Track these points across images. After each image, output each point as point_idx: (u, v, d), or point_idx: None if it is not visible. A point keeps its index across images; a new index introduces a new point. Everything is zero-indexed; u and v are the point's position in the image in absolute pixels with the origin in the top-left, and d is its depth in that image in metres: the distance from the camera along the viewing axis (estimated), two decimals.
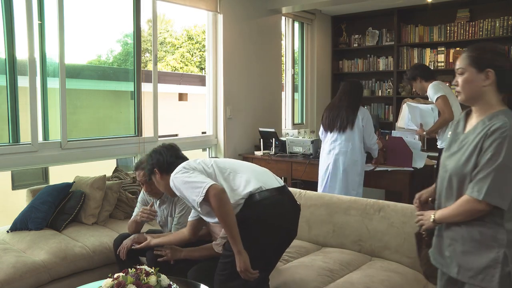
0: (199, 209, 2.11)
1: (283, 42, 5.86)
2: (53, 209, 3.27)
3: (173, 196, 2.56)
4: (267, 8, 5.30)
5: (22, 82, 3.43)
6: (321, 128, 4.07)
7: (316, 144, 4.67)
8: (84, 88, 4.65)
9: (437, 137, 3.89)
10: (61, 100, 3.65)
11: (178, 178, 2.13)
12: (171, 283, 1.99)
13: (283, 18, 5.79)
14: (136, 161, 3.47)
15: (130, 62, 4.34)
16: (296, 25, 6.22)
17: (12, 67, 3.39)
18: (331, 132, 3.93)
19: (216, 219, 2.10)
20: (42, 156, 3.53)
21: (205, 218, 2.23)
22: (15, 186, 5.39)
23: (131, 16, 4.16)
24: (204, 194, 2.00)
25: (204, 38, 5.05)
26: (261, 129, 5.07)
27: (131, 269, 1.97)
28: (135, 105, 4.24)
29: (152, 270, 1.96)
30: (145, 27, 4.74)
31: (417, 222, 1.87)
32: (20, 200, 3.49)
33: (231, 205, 2.05)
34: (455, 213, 1.67)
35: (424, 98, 4.49)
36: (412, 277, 2.57)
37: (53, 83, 3.65)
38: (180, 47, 11.97)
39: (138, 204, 3.02)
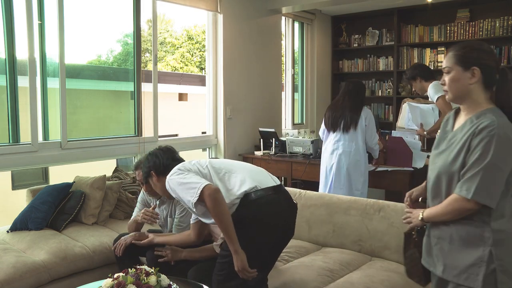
0: (194, 210, 2.11)
1: (283, 42, 5.86)
2: (53, 209, 3.27)
3: (171, 198, 2.56)
4: (267, 8, 5.30)
5: (22, 82, 3.43)
6: (323, 128, 4.06)
7: (316, 144, 4.67)
8: (84, 88, 4.65)
9: None
10: (61, 100, 3.65)
11: (173, 180, 2.15)
12: (171, 283, 1.99)
13: (283, 18, 5.79)
14: (136, 161, 3.47)
15: (130, 62, 4.34)
16: (296, 25, 6.22)
17: (12, 67, 3.39)
18: (334, 132, 3.93)
19: (212, 220, 2.10)
20: (42, 156, 3.53)
21: (201, 219, 2.24)
22: (15, 186, 5.39)
23: (131, 16, 4.16)
24: (198, 195, 2.01)
25: (204, 38, 5.05)
26: (261, 129, 5.07)
27: (131, 269, 1.97)
28: (135, 105, 4.24)
29: (152, 270, 1.96)
30: (145, 27, 4.74)
31: (405, 220, 1.88)
32: (20, 200, 3.49)
33: (227, 205, 2.06)
34: (444, 212, 1.68)
35: (424, 98, 4.49)
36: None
37: (53, 83, 3.65)
38: (180, 47, 11.97)
39: (138, 204, 3.02)
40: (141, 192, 2.96)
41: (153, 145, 4.26)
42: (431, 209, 1.74)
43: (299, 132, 6.04)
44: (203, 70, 9.86)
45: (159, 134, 4.42)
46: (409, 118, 4.17)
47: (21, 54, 3.43)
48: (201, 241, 2.55)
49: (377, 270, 2.59)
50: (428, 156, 4.11)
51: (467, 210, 1.61)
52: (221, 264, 2.15)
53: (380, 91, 6.47)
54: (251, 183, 2.12)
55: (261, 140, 5.00)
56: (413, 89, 4.44)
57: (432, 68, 5.36)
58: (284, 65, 6.04)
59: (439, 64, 5.81)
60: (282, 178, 5.09)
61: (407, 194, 1.97)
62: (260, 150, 4.98)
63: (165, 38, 11.49)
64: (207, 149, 5.04)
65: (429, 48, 5.96)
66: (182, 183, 2.10)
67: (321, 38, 6.46)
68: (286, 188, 3.48)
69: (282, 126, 5.81)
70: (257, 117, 5.26)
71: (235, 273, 2.07)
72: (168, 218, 2.83)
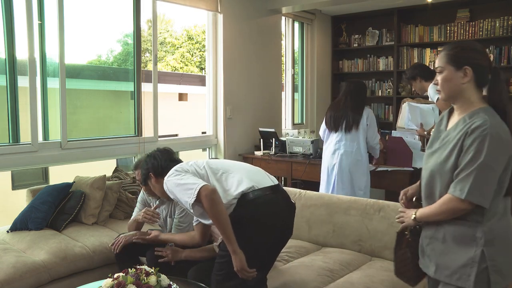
0: (192, 211, 2.12)
1: (283, 42, 5.86)
2: (53, 209, 3.27)
3: (170, 200, 2.57)
4: (267, 8, 5.30)
5: (22, 82, 3.43)
6: (323, 128, 4.06)
7: (316, 144, 4.67)
8: (84, 88, 4.65)
9: None
10: (61, 100, 3.65)
11: (170, 181, 2.15)
12: (171, 283, 1.99)
13: (283, 18, 5.79)
14: (135, 161, 3.46)
15: (130, 62, 4.34)
16: (296, 25, 6.22)
17: (12, 67, 3.39)
18: (335, 132, 3.93)
19: (210, 220, 2.10)
20: (42, 156, 3.53)
21: (200, 219, 2.24)
22: (15, 186, 5.39)
23: (131, 16, 4.16)
24: (196, 195, 2.01)
25: (204, 38, 5.05)
26: (261, 129, 5.07)
27: (131, 269, 1.97)
28: (135, 105, 4.24)
29: (152, 270, 1.96)
30: (145, 27, 4.74)
31: (398, 219, 1.88)
32: (20, 200, 3.49)
33: (224, 205, 2.06)
34: (437, 212, 1.68)
35: (424, 98, 4.49)
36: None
37: (53, 83, 3.65)
38: (180, 47, 11.97)
39: (138, 204, 3.02)
40: (141, 192, 2.96)
41: (153, 145, 4.27)
42: (424, 209, 1.74)
43: (299, 132, 6.04)
44: (203, 70, 9.86)
45: (159, 134, 4.42)
46: (409, 118, 4.17)
47: (21, 54, 3.43)
48: (206, 242, 2.55)
49: (377, 270, 2.59)
50: None
51: (461, 210, 1.61)
52: (220, 264, 2.15)
53: (380, 91, 6.47)
54: (248, 183, 2.12)
55: (261, 140, 5.00)
56: (413, 89, 4.44)
57: (432, 68, 5.36)
58: (284, 65, 6.04)
59: None
60: (282, 178, 5.09)
61: (402, 192, 1.97)
62: (260, 150, 4.98)
63: (165, 38, 11.49)
64: (207, 149, 5.04)
65: (429, 48, 5.96)
66: (179, 184, 2.10)
67: (321, 38, 6.46)
68: (286, 188, 3.49)
69: (282, 126, 5.81)
70: (257, 117, 5.26)
71: (234, 273, 2.07)
72: (168, 218, 2.83)
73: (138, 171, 2.84)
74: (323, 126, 4.08)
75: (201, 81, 8.76)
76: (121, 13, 4.41)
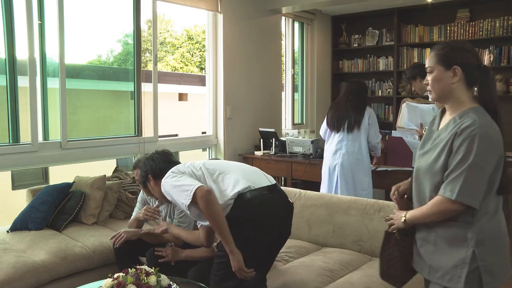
0: (188, 212, 2.12)
1: (283, 42, 5.86)
2: (53, 209, 3.27)
3: (168, 201, 2.57)
4: (267, 8, 5.30)
5: (22, 82, 3.43)
6: (325, 127, 4.06)
7: (316, 144, 4.67)
8: (84, 88, 4.65)
9: None
10: (61, 100, 3.65)
11: (167, 183, 2.16)
12: (171, 283, 1.99)
13: (283, 18, 5.79)
14: (134, 161, 3.47)
15: (130, 62, 4.34)
16: (296, 25, 6.22)
17: (12, 67, 3.39)
18: (337, 132, 3.93)
19: (207, 221, 2.10)
20: (42, 156, 3.53)
21: (197, 220, 2.24)
22: (15, 186, 5.39)
23: (131, 16, 4.16)
24: (191, 197, 2.02)
25: (204, 38, 5.05)
26: (261, 129, 5.08)
27: (131, 269, 1.97)
28: (135, 105, 4.24)
29: (152, 270, 1.96)
30: (145, 27, 4.74)
31: (387, 221, 1.85)
32: (20, 200, 3.49)
33: (220, 206, 2.06)
34: (428, 214, 1.66)
35: (424, 98, 4.48)
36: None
37: (53, 83, 3.65)
38: (180, 47, 11.97)
39: (137, 204, 3.02)
40: (141, 192, 2.96)
41: (153, 145, 4.27)
42: (414, 211, 1.73)
43: (299, 132, 6.04)
44: (203, 70, 9.86)
45: (159, 134, 4.42)
46: (408, 119, 4.17)
47: (21, 54, 3.43)
48: (211, 244, 2.55)
49: (377, 270, 2.58)
50: None
51: (452, 211, 1.60)
52: (218, 264, 2.15)
53: (380, 91, 6.47)
54: (245, 183, 2.12)
55: (261, 140, 5.00)
56: (413, 89, 4.44)
57: None
58: (284, 65, 6.03)
59: None
60: (282, 178, 5.09)
61: (395, 187, 1.94)
62: (260, 150, 4.98)
63: (165, 38, 11.49)
64: (207, 149, 5.04)
65: (429, 48, 5.95)
66: (176, 185, 2.11)
67: (321, 38, 6.46)
68: (286, 188, 3.50)
69: (282, 126, 5.81)
70: (257, 117, 5.26)
71: (232, 273, 2.07)
72: (168, 219, 2.83)
73: (137, 171, 2.84)
74: (324, 125, 4.08)
75: (201, 81, 8.76)
76: (121, 13, 4.41)
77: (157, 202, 2.83)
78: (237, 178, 2.15)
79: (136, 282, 1.88)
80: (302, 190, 3.33)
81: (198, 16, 6.87)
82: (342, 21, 6.63)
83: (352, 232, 2.95)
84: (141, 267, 1.99)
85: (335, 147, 3.95)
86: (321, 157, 4.35)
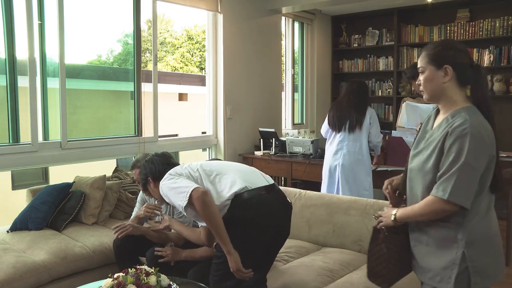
0: (185, 214, 2.13)
1: (283, 42, 5.86)
2: (53, 209, 3.27)
3: (167, 203, 2.57)
4: (267, 8, 5.30)
5: (22, 82, 3.43)
6: (326, 127, 4.06)
7: (316, 144, 4.67)
8: (84, 88, 4.65)
9: None
10: (61, 100, 3.65)
11: (165, 185, 2.17)
12: (171, 283, 1.99)
13: (283, 18, 5.79)
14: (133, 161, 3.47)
15: (130, 62, 4.34)
16: (296, 25, 6.22)
17: (12, 67, 3.39)
18: (338, 132, 3.93)
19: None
20: (42, 156, 3.53)
21: (196, 221, 2.24)
22: (15, 186, 5.39)
23: (131, 16, 4.16)
24: (188, 198, 2.02)
25: (204, 38, 5.05)
26: (261, 129, 5.07)
27: (131, 269, 1.97)
28: (135, 105, 4.24)
29: (152, 270, 1.96)
30: (145, 27, 4.74)
31: (377, 218, 1.83)
32: (20, 200, 3.49)
33: (217, 207, 2.07)
34: (420, 213, 1.65)
35: None
36: (412, 276, 2.56)
37: (53, 83, 3.65)
38: (180, 47, 11.97)
39: (137, 204, 3.02)
40: (140, 192, 2.96)
41: (153, 145, 4.27)
42: (405, 210, 1.72)
43: (299, 132, 6.04)
44: (203, 70, 9.86)
45: (159, 134, 4.42)
46: (408, 118, 4.17)
47: (21, 54, 3.43)
48: (212, 243, 2.55)
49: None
50: None
51: (445, 211, 1.59)
52: (216, 265, 2.15)
53: (380, 91, 6.47)
54: (241, 184, 2.12)
55: (261, 140, 5.00)
56: (413, 89, 4.44)
57: None
58: (284, 65, 6.04)
59: None
60: (282, 178, 5.09)
61: (387, 181, 1.91)
62: (260, 150, 4.98)
63: (165, 38, 11.49)
64: (207, 149, 5.04)
65: None
66: (173, 187, 2.12)
67: (321, 38, 6.46)
68: (286, 188, 3.50)
69: (282, 126, 5.81)
70: (257, 117, 5.26)
71: (230, 273, 2.07)
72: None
73: (135, 170, 2.85)
74: (325, 124, 4.07)
75: (201, 81, 8.76)
76: (121, 13, 4.41)
77: (156, 203, 2.83)
78: (234, 178, 2.16)
79: (136, 282, 1.88)
80: (302, 190, 3.33)
81: (198, 16, 6.87)
82: (342, 21, 6.63)
83: (352, 232, 2.95)
84: (141, 267, 1.99)
85: (336, 147, 3.95)
86: (321, 157, 4.35)
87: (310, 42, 6.35)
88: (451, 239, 1.63)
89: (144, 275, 1.92)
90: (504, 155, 4.54)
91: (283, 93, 5.90)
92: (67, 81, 3.70)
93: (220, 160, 3.69)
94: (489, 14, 5.49)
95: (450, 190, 1.55)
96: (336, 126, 3.94)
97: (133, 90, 4.27)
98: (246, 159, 4.96)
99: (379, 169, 4.02)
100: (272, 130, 5.00)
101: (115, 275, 1.93)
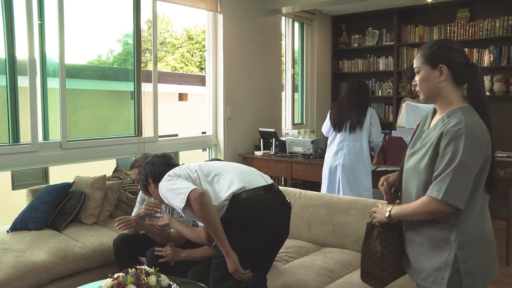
0: (183, 215, 2.13)
1: (283, 42, 5.86)
2: (53, 209, 3.27)
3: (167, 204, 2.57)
4: (267, 8, 5.30)
5: (22, 82, 3.43)
6: (328, 125, 4.05)
7: (316, 144, 4.67)
8: (84, 88, 4.65)
9: None
10: (61, 100, 3.65)
11: (163, 187, 2.17)
12: (171, 283, 1.99)
13: (283, 18, 5.79)
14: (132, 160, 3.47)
15: (130, 62, 4.34)
16: (296, 25, 6.22)
17: (12, 67, 3.39)
18: (339, 132, 3.94)
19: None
20: (42, 156, 3.53)
21: (196, 221, 2.24)
22: (15, 186, 5.39)
23: (131, 16, 4.16)
24: (186, 200, 2.02)
25: (204, 38, 5.05)
26: (261, 129, 5.08)
27: (131, 269, 1.97)
28: (135, 105, 4.24)
29: (152, 270, 1.96)
30: (145, 27, 4.74)
31: (372, 214, 1.82)
32: (20, 200, 3.49)
33: (214, 208, 2.07)
34: (415, 213, 1.64)
35: None
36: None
37: (53, 83, 3.65)
38: (180, 47, 11.97)
39: (137, 204, 3.02)
40: (140, 191, 2.96)
41: (153, 145, 4.27)
42: (401, 207, 1.71)
43: (299, 132, 6.04)
44: (203, 70, 9.86)
45: (159, 134, 4.42)
46: (408, 118, 4.18)
47: (21, 54, 3.43)
48: (212, 242, 2.55)
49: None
50: None
51: (440, 212, 1.58)
52: (216, 265, 2.16)
53: (380, 91, 6.48)
54: (239, 184, 2.12)
55: (261, 140, 5.00)
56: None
57: None
58: (284, 65, 6.04)
59: None
60: (282, 178, 5.09)
61: (383, 178, 1.91)
62: (260, 150, 4.98)
63: (165, 38, 11.49)
64: (207, 149, 5.04)
65: None
66: (171, 189, 2.12)
67: (321, 38, 6.46)
68: (286, 188, 3.50)
69: (282, 126, 5.81)
70: (257, 117, 5.26)
71: (230, 273, 2.08)
72: None
73: (134, 170, 2.85)
74: (327, 122, 4.06)
75: (201, 81, 8.75)
76: (121, 13, 4.41)
77: (156, 201, 2.83)
78: (232, 179, 2.16)
79: (136, 282, 1.88)
80: (302, 190, 3.33)
81: (198, 16, 6.87)
82: (342, 21, 6.63)
83: (352, 232, 2.95)
84: (141, 267, 1.99)
85: (336, 147, 3.95)
86: (321, 157, 4.35)
87: (310, 42, 6.35)
88: (443, 240, 1.62)
89: (144, 275, 1.92)
90: (504, 155, 4.54)
91: (283, 93, 5.90)
92: (67, 81, 3.70)
93: (220, 160, 3.69)
94: (489, 14, 5.49)
95: (445, 191, 1.54)
96: (336, 126, 3.95)
97: (133, 90, 4.27)
98: (246, 159, 4.96)
99: (379, 169, 4.02)
100: (272, 130, 5.00)
101: (115, 275, 1.93)
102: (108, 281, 1.90)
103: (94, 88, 4.87)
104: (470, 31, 5.61)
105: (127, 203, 3.64)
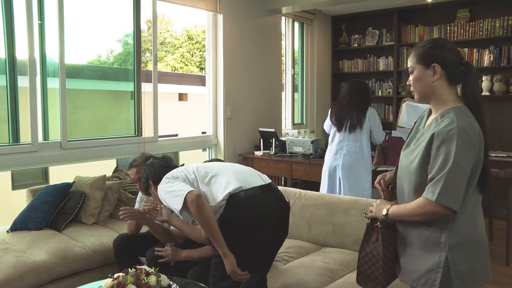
0: (181, 217, 2.14)
1: (283, 42, 5.86)
2: (53, 209, 3.27)
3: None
4: (267, 8, 5.30)
5: (22, 82, 3.43)
6: (329, 122, 4.06)
7: (316, 144, 4.67)
8: (84, 88, 4.65)
9: None
10: (61, 100, 3.65)
11: (162, 189, 2.18)
12: (171, 283, 1.99)
13: (283, 18, 5.79)
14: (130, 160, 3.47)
15: (130, 62, 4.34)
16: (296, 25, 6.22)
17: (12, 67, 3.39)
18: (339, 132, 3.94)
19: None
20: (42, 156, 3.53)
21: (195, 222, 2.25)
22: (15, 186, 5.39)
23: (131, 16, 4.16)
24: (183, 202, 2.03)
25: (204, 38, 5.05)
26: (261, 129, 5.08)
27: (131, 269, 1.97)
28: (135, 105, 4.24)
29: (152, 270, 1.96)
30: (145, 27, 4.74)
31: (368, 213, 1.79)
32: (20, 200, 3.49)
33: (212, 209, 2.08)
34: (411, 214, 1.62)
35: None
36: None
37: (53, 83, 3.65)
38: (180, 47, 11.97)
39: (136, 204, 3.02)
40: (140, 191, 2.97)
41: (153, 145, 4.27)
42: (398, 207, 1.68)
43: (299, 132, 6.04)
44: (203, 70, 9.86)
45: (159, 134, 4.42)
46: (407, 119, 4.17)
47: (21, 54, 3.43)
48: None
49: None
50: None
51: (436, 214, 1.56)
52: (214, 264, 2.16)
53: (380, 91, 6.48)
54: (236, 184, 2.12)
55: (261, 140, 5.00)
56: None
57: None
58: (284, 65, 6.04)
59: None
60: (282, 178, 5.09)
61: (380, 176, 1.88)
62: (260, 150, 4.98)
63: (165, 38, 11.48)
64: (207, 149, 5.04)
65: None
66: (169, 191, 2.13)
67: (321, 38, 6.46)
68: (286, 188, 3.49)
69: (282, 126, 5.81)
70: (257, 117, 5.26)
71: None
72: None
73: (132, 169, 2.86)
74: (328, 120, 4.07)
75: (201, 81, 8.75)
76: (121, 13, 4.41)
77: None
78: (229, 179, 2.16)
79: (136, 282, 1.88)
80: (302, 190, 3.33)
81: (198, 16, 6.87)
82: (342, 21, 6.63)
83: (352, 232, 2.95)
84: (141, 267, 1.99)
85: (335, 147, 3.96)
86: (321, 157, 4.35)
87: (310, 42, 6.35)
88: (434, 242, 1.61)
89: (144, 275, 1.92)
90: (504, 155, 4.54)
91: (283, 93, 5.90)
92: (67, 81, 3.70)
93: (221, 160, 3.69)
94: (489, 14, 5.49)
95: (439, 192, 1.53)
96: (336, 126, 3.95)
97: (133, 90, 4.27)
98: (246, 159, 4.96)
99: (379, 169, 4.02)
100: (272, 130, 5.00)
101: (115, 275, 1.93)
102: (108, 281, 1.90)
103: (94, 88, 4.87)
104: (470, 31, 5.61)
105: (127, 203, 3.64)
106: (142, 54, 4.25)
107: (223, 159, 4.71)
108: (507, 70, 5.43)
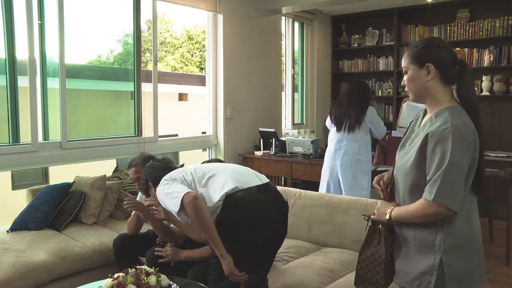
0: (179, 218, 2.14)
1: (283, 42, 5.86)
2: (53, 209, 3.27)
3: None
4: (267, 8, 5.30)
5: (22, 82, 3.43)
6: (329, 121, 4.06)
7: (316, 144, 4.67)
8: (84, 88, 4.65)
9: None
10: (61, 100, 3.65)
11: (160, 191, 2.19)
12: (171, 283, 1.99)
13: (283, 18, 5.79)
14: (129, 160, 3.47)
15: (130, 62, 4.34)
16: (296, 25, 6.22)
17: (12, 67, 3.39)
18: (338, 132, 3.94)
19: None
20: (42, 156, 3.53)
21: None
22: (15, 186, 5.39)
23: (131, 16, 4.16)
24: (180, 204, 2.04)
25: (204, 38, 5.05)
26: (261, 129, 5.08)
27: (131, 269, 1.97)
28: (135, 105, 4.24)
29: (152, 270, 1.96)
30: (145, 27, 4.74)
31: (370, 215, 1.77)
32: (20, 200, 3.49)
33: (208, 210, 2.08)
34: (413, 215, 1.60)
35: None
36: None
37: (53, 83, 3.65)
38: (180, 47, 11.97)
39: None
40: (140, 191, 2.97)
41: (153, 145, 4.27)
42: (400, 210, 1.66)
43: (299, 132, 6.04)
44: (203, 70, 9.86)
45: (159, 134, 4.42)
46: (407, 119, 4.17)
47: (21, 54, 3.43)
48: None
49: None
50: None
51: (437, 215, 1.54)
52: (212, 264, 2.16)
53: (380, 91, 6.48)
54: (232, 184, 2.12)
55: (261, 140, 5.00)
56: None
57: None
58: (284, 65, 6.04)
59: None
60: (282, 178, 5.09)
61: (378, 177, 1.87)
62: (260, 150, 4.98)
63: (165, 38, 11.48)
64: (207, 149, 5.04)
65: None
66: (167, 193, 2.14)
67: (321, 38, 6.46)
68: (286, 188, 3.49)
69: (282, 126, 5.81)
70: (257, 117, 5.26)
71: None
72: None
73: (131, 169, 2.86)
74: (329, 118, 4.07)
75: (201, 81, 8.75)
76: (121, 13, 4.41)
77: None
78: (226, 179, 2.16)
79: (136, 282, 1.88)
80: (302, 190, 3.33)
81: (198, 16, 6.87)
82: (342, 21, 6.63)
83: (352, 232, 2.95)
84: (141, 267, 1.99)
85: (334, 147, 3.96)
86: (321, 157, 4.35)
87: (310, 42, 6.35)
88: (429, 244, 1.59)
89: (144, 275, 1.92)
90: (504, 155, 4.54)
91: (283, 93, 5.90)
92: (67, 81, 3.70)
93: (220, 160, 3.69)
94: (489, 14, 5.49)
95: (436, 192, 1.52)
96: (336, 125, 3.95)
97: (133, 90, 4.27)
98: (246, 159, 4.96)
99: (379, 169, 4.02)
100: (272, 130, 5.00)
101: (115, 275, 1.93)
102: (108, 281, 1.90)
103: (94, 88, 4.88)
104: (470, 31, 5.61)
105: None
106: (142, 54, 4.25)
107: (223, 159, 4.71)
108: (507, 70, 5.43)
